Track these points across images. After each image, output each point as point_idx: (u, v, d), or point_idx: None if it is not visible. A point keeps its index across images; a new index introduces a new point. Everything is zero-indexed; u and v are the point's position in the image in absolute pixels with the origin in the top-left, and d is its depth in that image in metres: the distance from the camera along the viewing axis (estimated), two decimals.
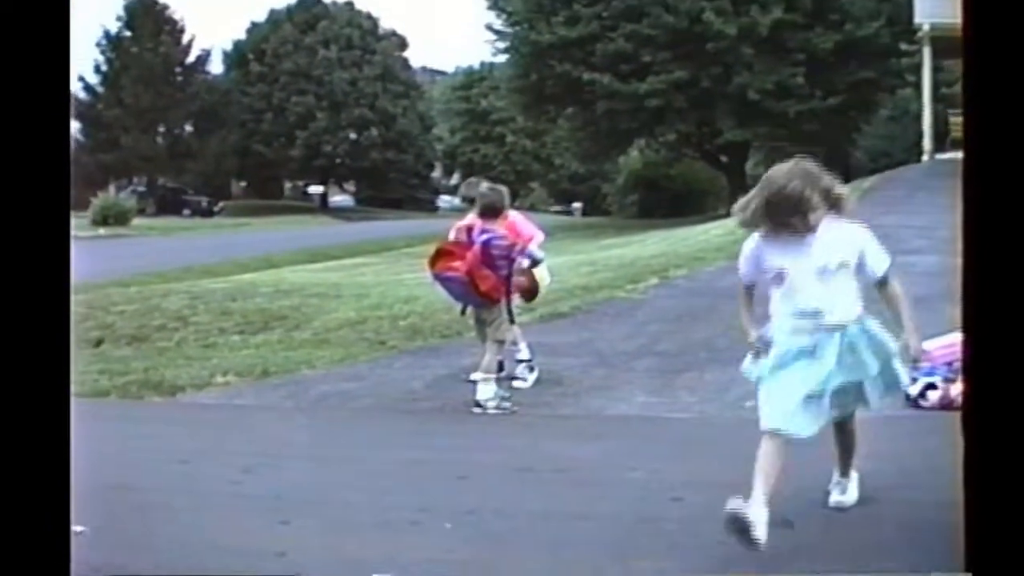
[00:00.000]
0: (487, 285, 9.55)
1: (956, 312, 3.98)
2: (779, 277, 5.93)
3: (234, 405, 10.63)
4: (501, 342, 9.88)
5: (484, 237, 9.56)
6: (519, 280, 10.10)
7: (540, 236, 10.68)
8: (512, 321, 10.06)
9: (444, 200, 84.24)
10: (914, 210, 20.08)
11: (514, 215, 10.64)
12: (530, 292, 10.51)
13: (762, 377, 5.90)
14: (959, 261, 3.78)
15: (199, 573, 5.50)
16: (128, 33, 69.68)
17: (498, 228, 9.74)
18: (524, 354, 10.58)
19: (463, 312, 10.32)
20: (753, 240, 6.07)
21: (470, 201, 10.42)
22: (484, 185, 10.41)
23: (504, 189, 10.23)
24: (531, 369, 10.57)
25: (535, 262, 10.33)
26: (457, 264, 9.56)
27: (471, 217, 10.57)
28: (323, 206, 78.82)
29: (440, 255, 9.80)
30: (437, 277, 9.88)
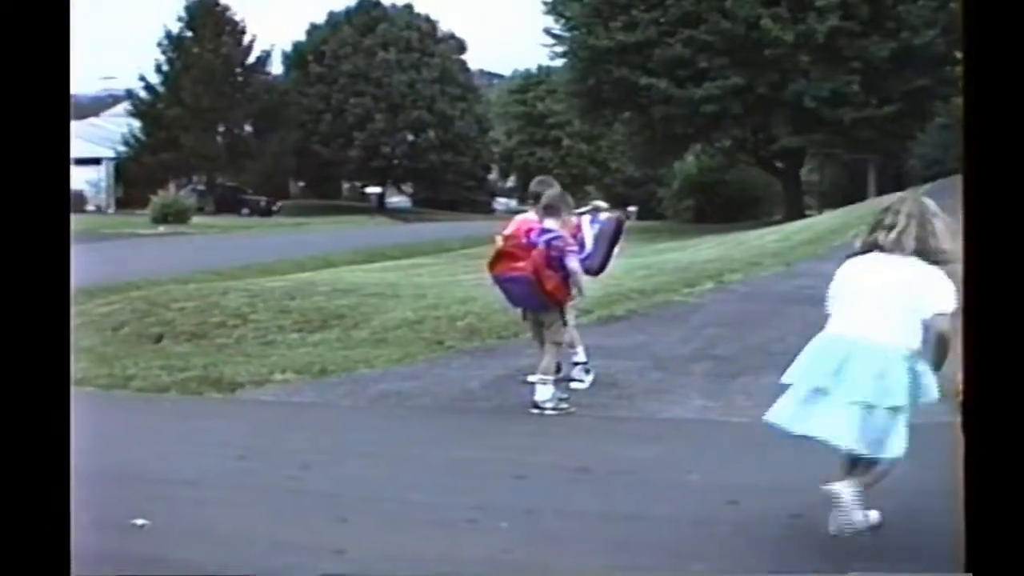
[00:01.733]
0: (552, 284, 9.54)
1: None
2: None
3: (293, 402, 10.69)
4: (559, 344, 9.87)
5: (546, 237, 9.56)
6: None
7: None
8: (564, 323, 10.06)
9: (500, 202, 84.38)
10: None
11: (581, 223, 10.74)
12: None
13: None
14: None
15: (257, 568, 5.57)
16: (189, 33, 70.13)
17: (557, 228, 9.73)
18: (581, 356, 10.59)
19: (525, 316, 10.32)
20: None
21: (536, 198, 10.40)
22: (556, 187, 10.44)
23: (568, 197, 10.24)
24: (587, 371, 10.59)
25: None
26: (521, 264, 9.53)
27: (520, 219, 10.60)
28: (380, 207, 79.09)
29: (500, 257, 9.79)
30: (499, 279, 9.87)
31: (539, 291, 9.54)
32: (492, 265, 9.85)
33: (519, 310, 10.45)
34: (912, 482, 6.08)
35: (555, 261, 9.50)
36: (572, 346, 10.50)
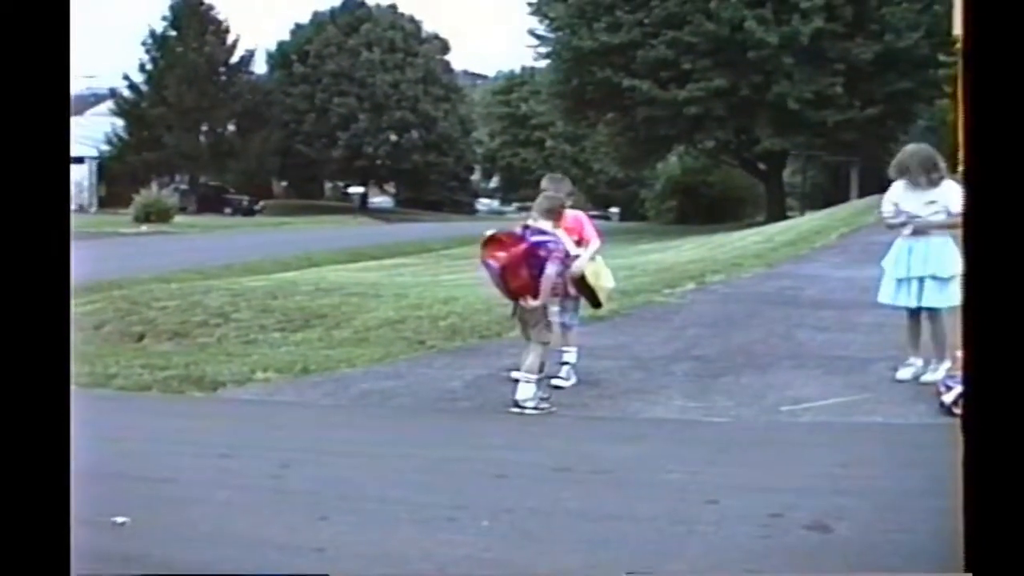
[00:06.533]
0: (516, 283, 9.47)
1: None
2: None
3: (274, 401, 10.68)
4: (546, 344, 9.82)
5: (536, 239, 9.52)
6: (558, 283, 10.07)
7: (596, 242, 10.68)
8: (549, 324, 9.95)
9: (483, 203, 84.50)
10: None
11: (582, 216, 10.78)
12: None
13: None
14: None
15: (237, 567, 5.57)
16: (173, 33, 70.14)
17: (554, 231, 9.71)
18: (571, 357, 10.60)
19: (514, 312, 10.19)
20: None
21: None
22: (566, 187, 10.49)
23: (562, 196, 10.27)
24: (574, 372, 10.59)
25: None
26: (500, 254, 9.51)
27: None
28: (363, 207, 79.12)
29: (491, 241, 9.70)
30: (483, 262, 9.84)
31: (503, 286, 9.55)
32: (483, 245, 9.78)
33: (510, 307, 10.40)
34: (910, 482, 6.12)
35: (535, 261, 9.46)
36: (568, 345, 10.53)
